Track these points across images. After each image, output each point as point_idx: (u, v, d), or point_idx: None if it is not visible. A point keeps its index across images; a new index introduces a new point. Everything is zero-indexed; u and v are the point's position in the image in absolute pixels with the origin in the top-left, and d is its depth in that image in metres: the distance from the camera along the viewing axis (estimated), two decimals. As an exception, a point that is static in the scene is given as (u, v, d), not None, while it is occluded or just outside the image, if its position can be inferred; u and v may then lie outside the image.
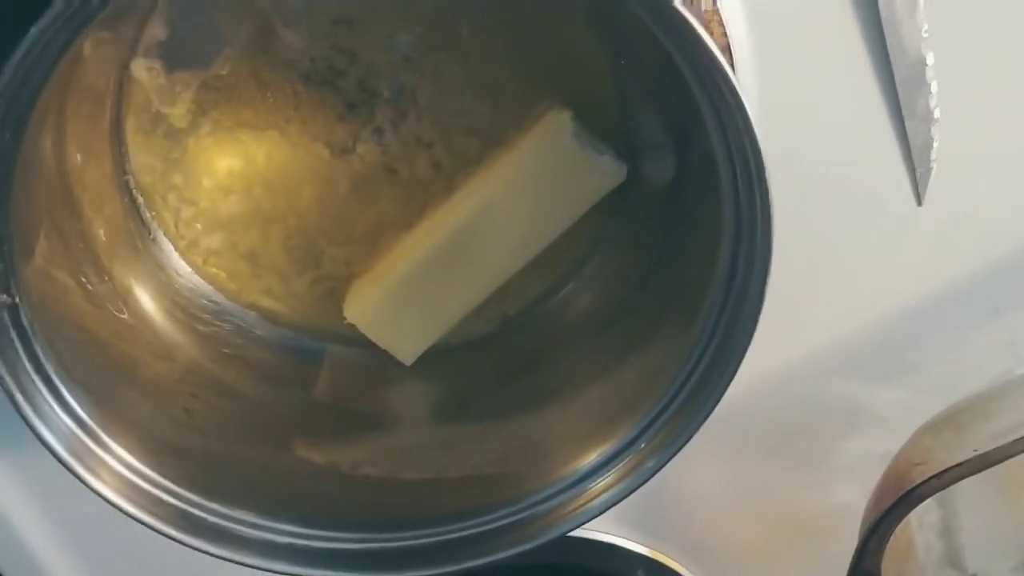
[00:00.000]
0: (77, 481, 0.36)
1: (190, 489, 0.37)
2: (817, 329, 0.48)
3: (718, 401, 0.35)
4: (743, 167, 0.30)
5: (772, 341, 0.47)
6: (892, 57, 0.40)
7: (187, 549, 0.37)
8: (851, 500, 0.49)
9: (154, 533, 0.37)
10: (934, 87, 0.41)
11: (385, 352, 0.43)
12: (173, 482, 0.37)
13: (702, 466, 0.51)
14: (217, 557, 0.37)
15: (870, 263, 0.46)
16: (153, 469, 0.37)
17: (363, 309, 0.42)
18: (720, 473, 0.51)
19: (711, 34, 0.38)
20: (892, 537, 0.47)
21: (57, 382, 0.35)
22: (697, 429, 0.35)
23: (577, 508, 0.36)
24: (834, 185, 0.44)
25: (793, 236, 0.44)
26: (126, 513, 0.36)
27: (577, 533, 0.39)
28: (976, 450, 0.46)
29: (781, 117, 0.42)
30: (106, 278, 0.40)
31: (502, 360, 0.43)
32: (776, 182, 0.42)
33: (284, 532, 0.38)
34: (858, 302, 0.47)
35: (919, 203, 0.43)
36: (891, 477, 0.49)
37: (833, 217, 0.45)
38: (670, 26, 0.28)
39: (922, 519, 0.50)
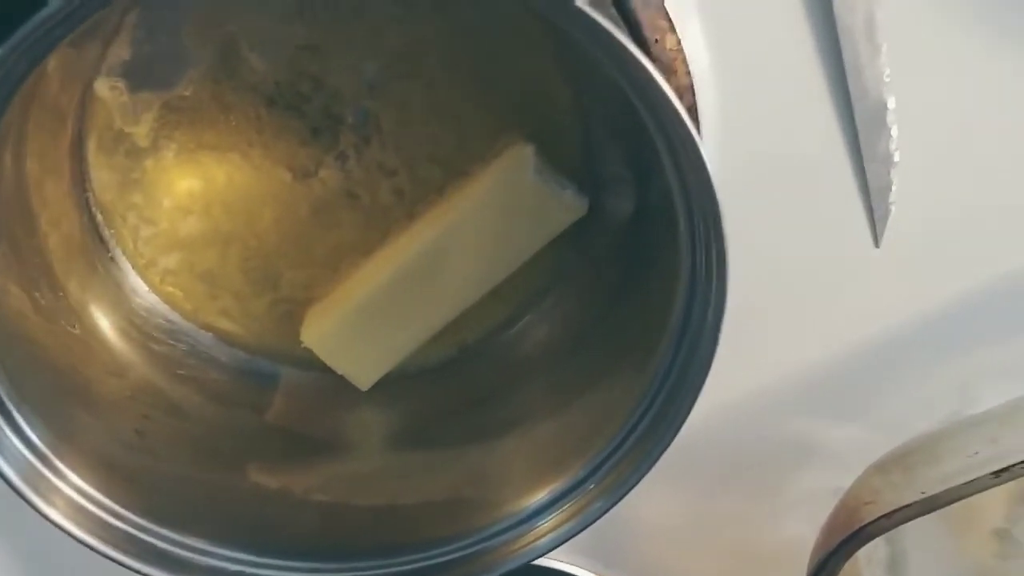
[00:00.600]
0: (23, 502, 0.36)
1: (139, 513, 0.37)
2: (773, 365, 0.48)
3: (667, 446, 0.35)
4: (700, 213, 0.30)
5: (729, 375, 0.48)
6: (854, 100, 0.41)
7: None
8: (802, 533, 0.49)
9: (102, 557, 0.37)
10: (894, 131, 0.41)
11: (341, 377, 0.43)
12: (123, 506, 0.37)
13: (657, 496, 0.51)
14: (164, 582, 0.37)
15: (827, 302, 0.46)
16: (103, 493, 0.37)
17: (320, 333, 0.42)
18: (675, 503, 0.52)
19: (675, 72, 0.38)
20: (840, 573, 0.47)
21: (9, 405, 0.35)
22: (645, 473, 0.35)
23: (524, 546, 0.36)
24: (794, 224, 0.44)
25: (751, 272, 0.44)
26: (74, 537, 0.36)
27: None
28: (924, 492, 0.47)
29: (743, 153, 0.42)
30: (61, 294, 0.40)
31: (459, 389, 0.43)
32: (735, 218, 0.42)
33: (232, 559, 0.38)
34: (813, 340, 0.48)
35: (876, 245, 0.44)
36: (841, 514, 0.49)
37: (792, 255, 0.45)
38: (630, 72, 0.28)
39: (871, 555, 0.50)
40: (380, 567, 0.38)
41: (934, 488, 0.47)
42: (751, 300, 0.45)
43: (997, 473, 0.46)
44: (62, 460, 0.36)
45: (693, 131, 0.27)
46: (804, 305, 0.47)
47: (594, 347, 0.41)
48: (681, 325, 0.33)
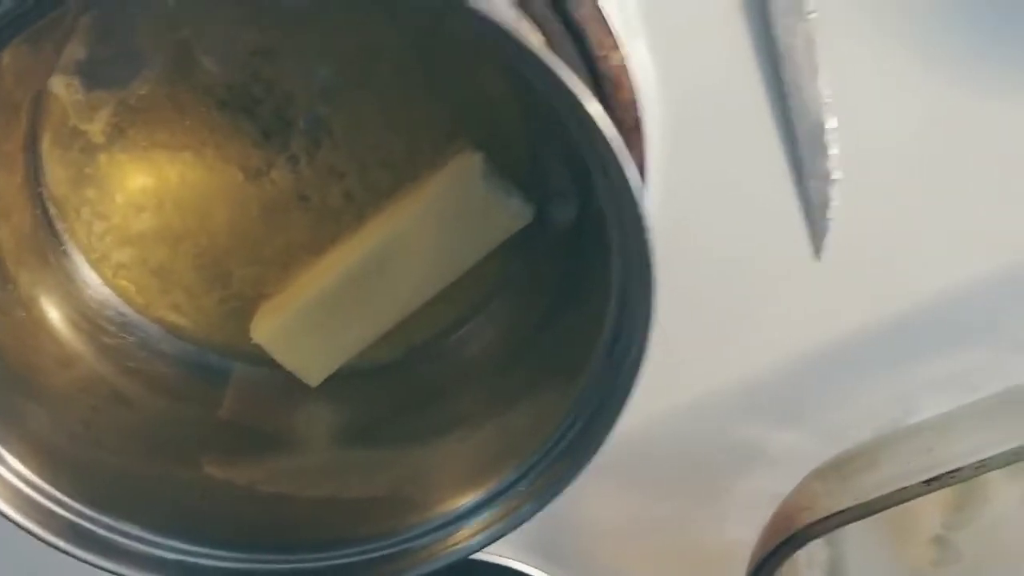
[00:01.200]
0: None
1: (82, 501, 0.38)
2: (718, 372, 0.49)
3: (594, 454, 0.36)
4: (628, 227, 0.31)
5: (677, 380, 0.49)
6: (794, 118, 0.42)
7: (77, 562, 0.38)
8: (744, 536, 0.50)
9: (43, 544, 0.37)
10: (834, 149, 0.42)
11: (291, 374, 0.44)
12: (66, 494, 0.38)
13: (604, 496, 0.52)
14: (104, 570, 0.38)
15: (771, 312, 0.48)
16: (46, 480, 0.37)
17: (270, 330, 0.43)
18: (621, 504, 0.53)
19: (620, 87, 0.39)
20: (779, 574, 0.48)
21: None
22: (573, 479, 0.36)
23: (457, 543, 0.37)
24: (739, 234, 0.45)
25: (696, 281, 0.46)
26: (16, 524, 0.37)
27: (477, 556, 0.40)
28: (858, 498, 0.48)
29: (689, 166, 0.43)
30: (11, 286, 0.41)
31: (405, 389, 0.44)
32: (681, 228, 0.44)
33: (174, 548, 0.39)
34: (758, 349, 0.49)
35: (817, 257, 0.45)
36: (779, 519, 0.51)
37: (739, 265, 0.46)
38: (563, 99, 0.29)
39: (811, 558, 0.51)
40: (318, 560, 0.39)
41: (868, 495, 0.49)
42: (696, 308, 0.46)
43: (928, 482, 0.47)
44: (6, 447, 0.37)
45: (624, 164, 0.28)
46: (749, 314, 0.48)
47: (534, 354, 0.42)
48: (611, 338, 0.34)
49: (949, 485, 0.48)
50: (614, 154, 0.28)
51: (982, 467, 0.47)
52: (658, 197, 0.43)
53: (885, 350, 0.49)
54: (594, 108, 0.28)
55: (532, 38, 0.28)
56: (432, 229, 0.41)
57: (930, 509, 0.53)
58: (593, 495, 0.53)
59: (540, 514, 0.47)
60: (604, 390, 0.34)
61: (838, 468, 0.51)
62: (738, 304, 0.47)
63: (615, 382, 0.33)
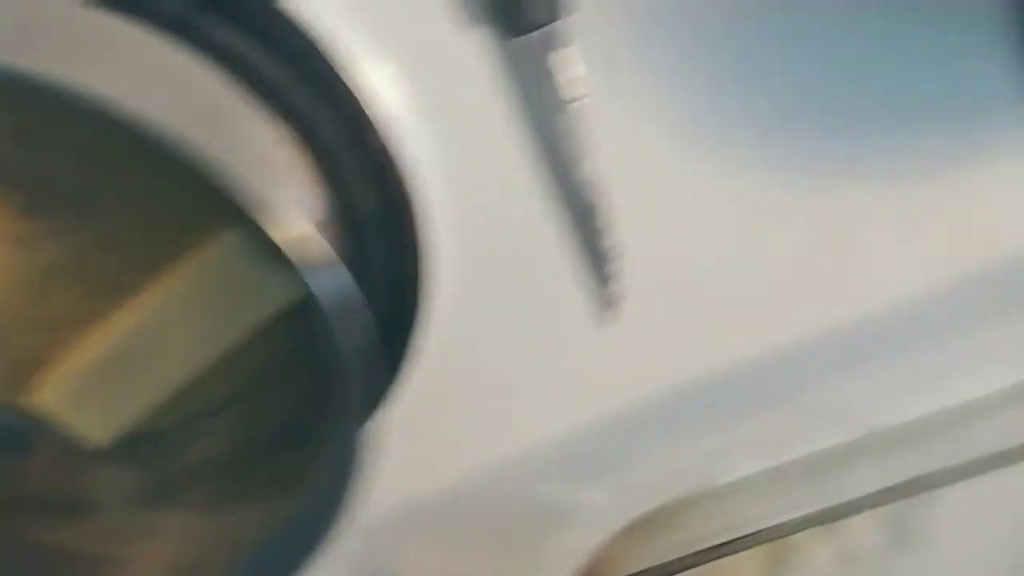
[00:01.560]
0: None
1: None
2: (530, 431, 0.50)
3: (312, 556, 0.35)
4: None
5: (485, 440, 0.50)
6: (570, 200, 0.42)
7: None
8: (556, 592, 0.51)
9: None
10: (615, 226, 0.43)
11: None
12: None
13: (418, 552, 0.53)
14: None
15: (574, 376, 0.48)
16: None
17: (50, 394, 0.44)
18: (434, 560, 0.53)
19: (388, 169, 0.40)
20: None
21: None
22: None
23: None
24: (535, 304, 0.46)
25: (496, 348, 0.46)
26: None
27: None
28: (659, 559, 0.49)
29: (478, 248, 0.43)
30: None
31: (175, 459, 0.44)
32: (473, 301, 0.44)
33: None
34: (563, 411, 0.49)
35: (610, 325, 0.46)
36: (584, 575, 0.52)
37: (536, 332, 0.47)
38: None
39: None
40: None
41: (669, 555, 0.49)
42: (499, 372, 0.47)
43: (725, 544, 0.48)
44: None
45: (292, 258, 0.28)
46: (552, 378, 0.48)
47: (304, 436, 0.42)
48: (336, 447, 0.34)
49: (747, 548, 0.49)
50: (299, 275, 0.28)
51: (778, 530, 0.49)
52: (447, 269, 0.44)
53: (693, 413, 0.49)
54: (279, 235, 0.28)
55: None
56: (196, 305, 0.41)
57: (747, 566, 0.54)
58: (407, 551, 0.53)
59: (358, 567, 0.48)
60: (319, 507, 0.33)
61: (644, 526, 0.52)
62: (538, 368, 0.48)
63: (337, 483, 0.33)
